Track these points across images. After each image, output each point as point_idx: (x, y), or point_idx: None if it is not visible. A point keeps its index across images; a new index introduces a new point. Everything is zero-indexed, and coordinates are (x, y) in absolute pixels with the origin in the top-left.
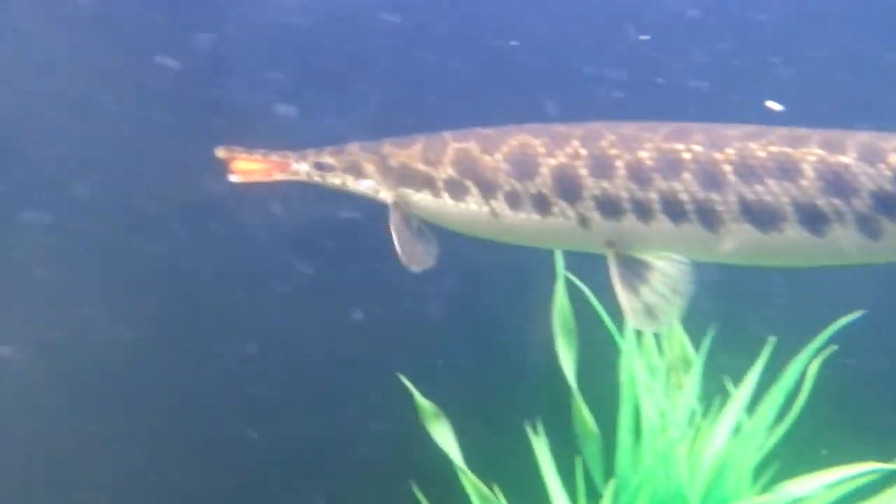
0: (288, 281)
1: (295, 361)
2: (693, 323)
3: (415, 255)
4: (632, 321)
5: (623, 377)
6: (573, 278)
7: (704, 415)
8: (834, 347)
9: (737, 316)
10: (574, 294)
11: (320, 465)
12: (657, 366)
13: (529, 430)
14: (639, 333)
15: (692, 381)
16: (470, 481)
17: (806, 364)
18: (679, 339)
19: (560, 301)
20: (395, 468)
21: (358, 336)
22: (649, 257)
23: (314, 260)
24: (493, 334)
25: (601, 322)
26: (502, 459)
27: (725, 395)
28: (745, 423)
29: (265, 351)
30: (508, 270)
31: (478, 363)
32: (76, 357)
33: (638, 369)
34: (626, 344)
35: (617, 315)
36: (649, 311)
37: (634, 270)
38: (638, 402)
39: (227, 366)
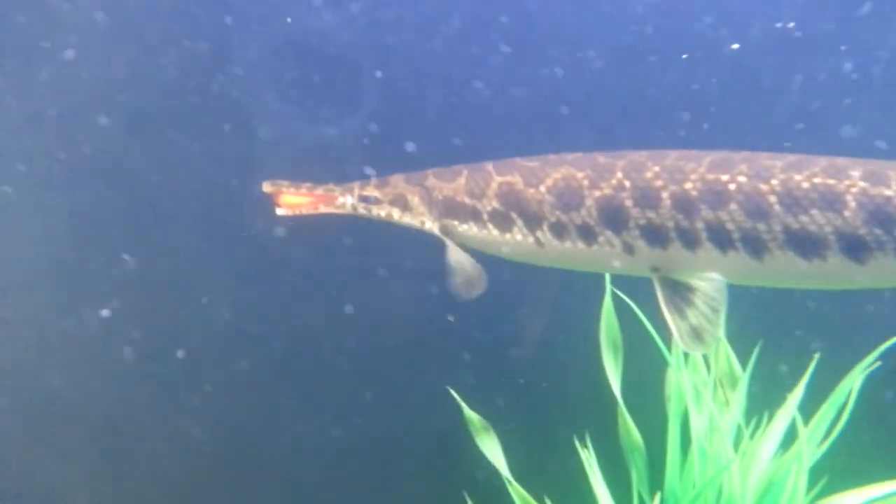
0: (344, 294)
1: (343, 376)
2: (739, 340)
3: (473, 284)
4: (682, 345)
5: (671, 393)
6: (620, 294)
7: (752, 435)
8: (878, 363)
9: (782, 333)
10: (619, 307)
11: (374, 476)
12: (704, 381)
13: (577, 443)
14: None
15: (739, 398)
16: (518, 493)
17: (855, 381)
18: (726, 354)
19: (607, 316)
20: (447, 479)
21: (407, 352)
22: (691, 280)
23: (365, 274)
24: (540, 348)
25: (647, 335)
26: (550, 471)
27: (772, 411)
28: (795, 440)
29: (315, 361)
30: (556, 286)
31: (526, 377)
32: None
33: (685, 385)
34: (674, 359)
35: (662, 329)
36: (695, 333)
37: (679, 294)
38: (686, 417)
39: (284, 373)
